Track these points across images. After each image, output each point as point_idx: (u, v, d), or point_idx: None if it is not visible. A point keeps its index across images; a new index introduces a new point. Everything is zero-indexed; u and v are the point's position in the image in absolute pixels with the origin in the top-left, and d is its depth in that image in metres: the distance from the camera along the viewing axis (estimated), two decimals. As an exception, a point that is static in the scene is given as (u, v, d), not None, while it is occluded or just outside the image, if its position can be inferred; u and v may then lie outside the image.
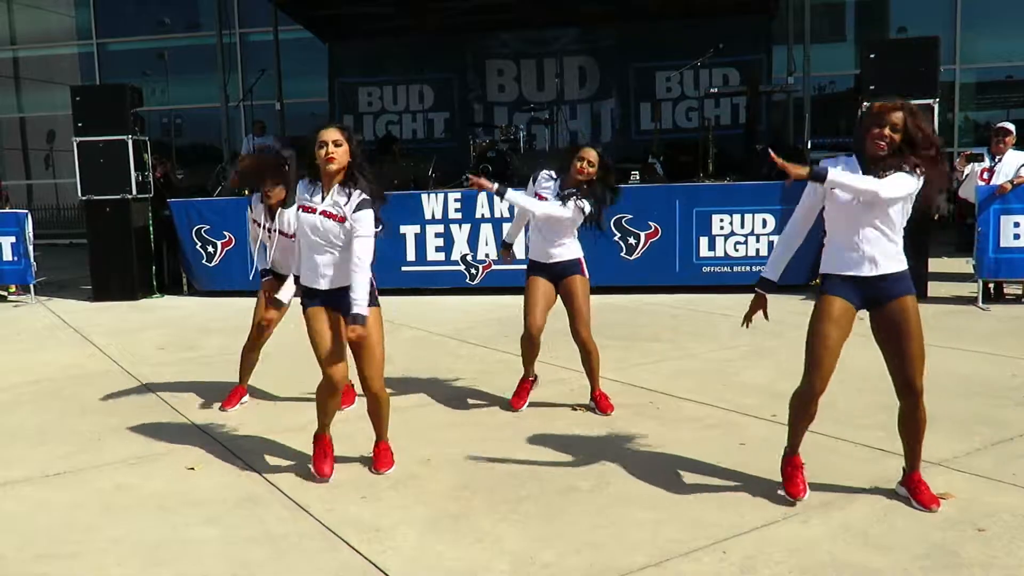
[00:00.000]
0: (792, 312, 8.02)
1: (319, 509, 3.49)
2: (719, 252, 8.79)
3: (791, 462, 3.49)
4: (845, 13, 15.50)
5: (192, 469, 4.02)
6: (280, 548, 3.16)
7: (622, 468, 3.86)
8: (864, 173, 3.18)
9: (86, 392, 5.56)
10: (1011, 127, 8.33)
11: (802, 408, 3.37)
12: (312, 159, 3.66)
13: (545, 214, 4.61)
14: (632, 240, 8.83)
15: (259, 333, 5.01)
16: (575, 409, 4.83)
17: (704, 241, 8.80)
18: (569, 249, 4.74)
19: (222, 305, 8.91)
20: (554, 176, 4.75)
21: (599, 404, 4.79)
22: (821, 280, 3.38)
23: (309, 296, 3.79)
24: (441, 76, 13.66)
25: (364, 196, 3.64)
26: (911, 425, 3.33)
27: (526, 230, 5.16)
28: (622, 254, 8.77)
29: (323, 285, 3.73)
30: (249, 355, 5.09)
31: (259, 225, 4.87)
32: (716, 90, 11.35)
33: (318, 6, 12.37)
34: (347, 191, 3.64)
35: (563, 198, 4.62)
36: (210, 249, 9.55)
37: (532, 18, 12.71)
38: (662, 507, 3.42)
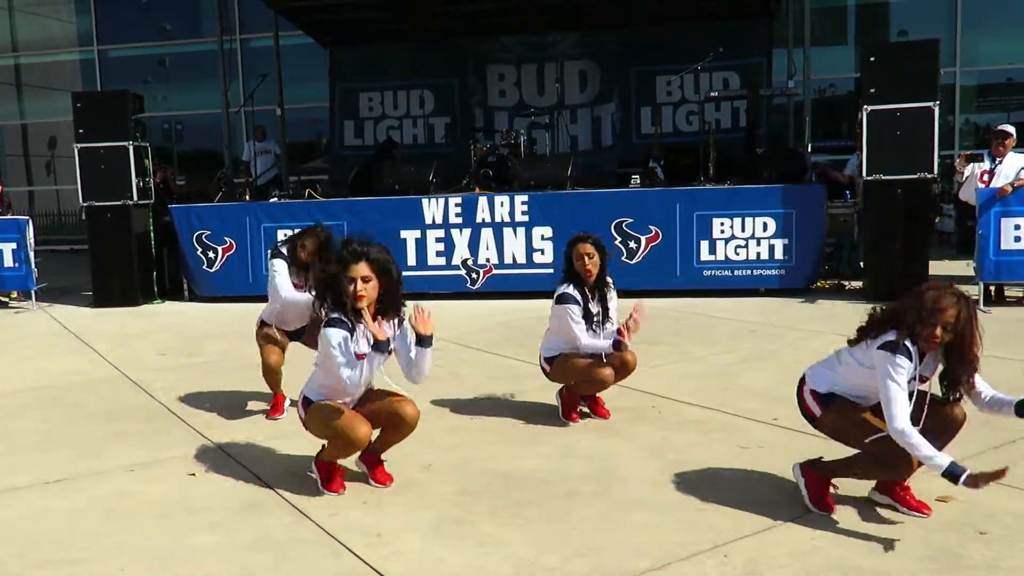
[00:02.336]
0: (792, 316, 8.01)
1: (321, 515, 3.49)
2: (720, 256, 8.79)
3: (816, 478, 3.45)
4: (846, 16, 15.52)
5: (193, 475, 4.02)
6: (282, 554, 3.16)
7: (624, 472, 3.86)
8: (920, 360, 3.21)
9: (87, 398, 5.56)
10: (1011, 129, 8.35)
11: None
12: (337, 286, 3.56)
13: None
14: (632, 244, 8.83)
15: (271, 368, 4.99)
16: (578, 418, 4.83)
17: (705, 245, 8.80)
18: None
19: (223, 311, 8.92)
20: (577, 299, 4.55)
21: (596, 408, 4.78)
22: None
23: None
24: (442, 81, 13.66)
25: (398, 317, 3.74)
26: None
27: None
28: (623, 258, 8.76)
29: (349, 402, 3.76)
30: (270, 374, 5.01)
31: (300, 287, 4.92)
32: (716, 94, 11.37)
33: (318, 11, 12.39)
34: (383, 321, 3.65)
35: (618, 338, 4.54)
36: (211, 255, 9.56)
37: (532, 22, 12.73)
38: (664, 511, 3.42)
